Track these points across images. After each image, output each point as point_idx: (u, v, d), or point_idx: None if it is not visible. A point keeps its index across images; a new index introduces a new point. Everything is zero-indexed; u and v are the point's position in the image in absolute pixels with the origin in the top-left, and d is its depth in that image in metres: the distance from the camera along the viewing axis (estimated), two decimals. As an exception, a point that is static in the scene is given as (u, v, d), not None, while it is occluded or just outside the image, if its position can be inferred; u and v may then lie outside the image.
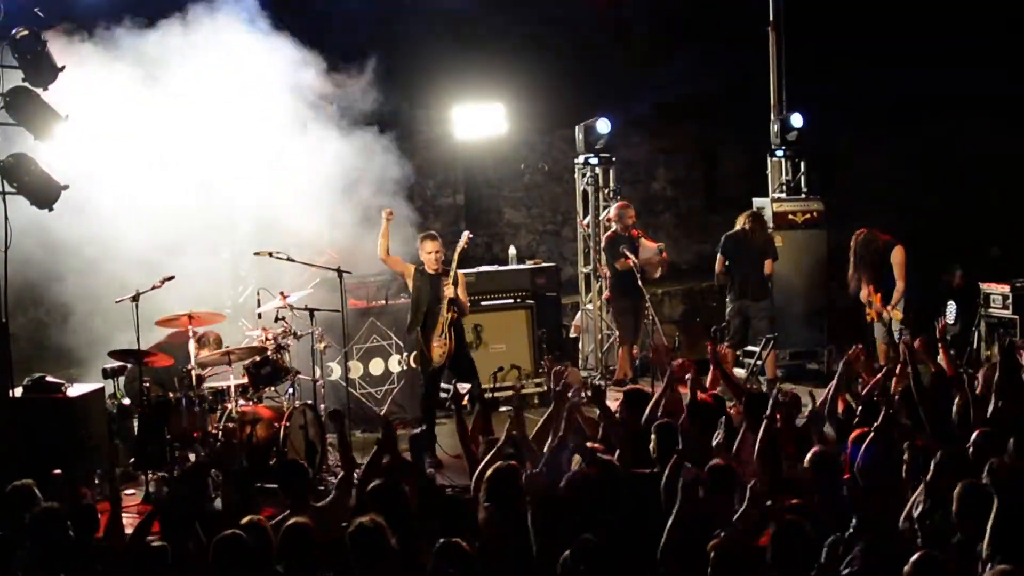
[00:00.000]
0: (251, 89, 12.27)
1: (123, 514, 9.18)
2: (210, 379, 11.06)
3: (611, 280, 14.09)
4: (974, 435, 7.62)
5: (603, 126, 14.46)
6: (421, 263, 11.60)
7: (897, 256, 13.10)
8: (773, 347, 13.24)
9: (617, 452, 7.96)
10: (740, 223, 13.74)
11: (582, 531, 6.37)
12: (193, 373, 10.79)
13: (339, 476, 8.22)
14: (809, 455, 7.44)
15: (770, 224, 14.40)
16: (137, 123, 11.72)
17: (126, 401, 11.16)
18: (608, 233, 14.03)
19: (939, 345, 9.97)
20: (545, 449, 8.04)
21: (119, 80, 11.47)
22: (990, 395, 8.73)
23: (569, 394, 8.48)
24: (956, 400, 8.71)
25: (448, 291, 11.46)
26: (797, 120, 15.04)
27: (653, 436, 7.91)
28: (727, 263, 13.73)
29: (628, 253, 13.43)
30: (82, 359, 12.15)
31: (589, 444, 7.89)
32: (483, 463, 7.69)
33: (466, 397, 11.16)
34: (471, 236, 11.94)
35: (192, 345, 10.93)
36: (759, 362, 13.21)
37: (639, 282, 13.22)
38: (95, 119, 10.90)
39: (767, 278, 13.76)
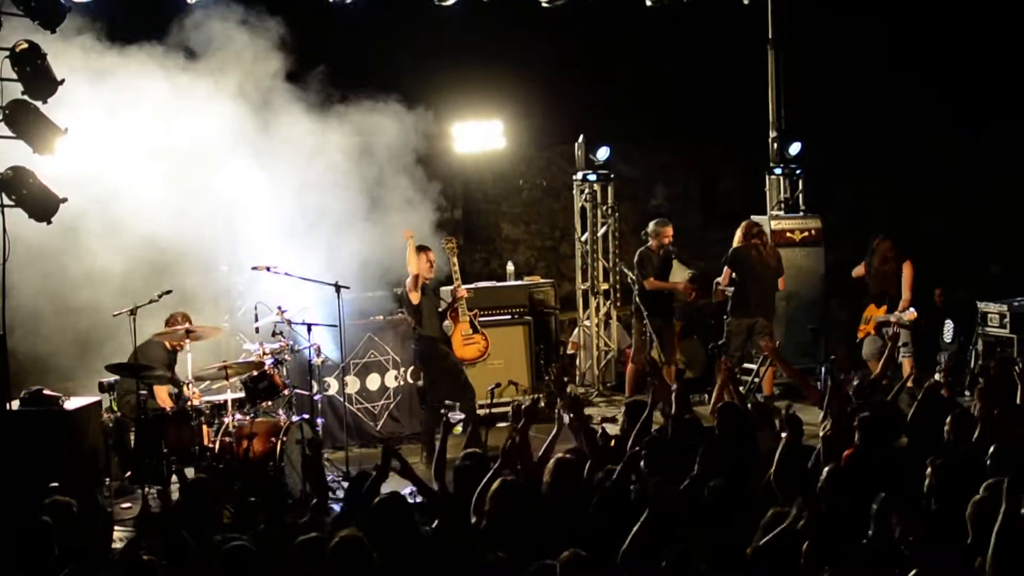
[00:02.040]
0: (246, 103, 12.30)
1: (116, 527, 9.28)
2: (207, 393, 11.08)
3: (640, 297, 13.96)
4: (991, 449, 7.66)
5: (602, 153, 14.54)
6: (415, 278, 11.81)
7: (907, 271, 13.32)
8: (771, 364, 13.21)
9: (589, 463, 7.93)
10: (745, 236, 13.53)
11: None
12: (190, 387, 10.81)
13: (313, 502, 8.17)
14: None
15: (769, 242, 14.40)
16: (133, 134, 11.72)
17: (118, 413, 11.16)
18: (641, 248, 13.96)
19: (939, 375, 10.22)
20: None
21: (113, 90, 11.48)
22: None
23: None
24: (950, 419, 8.76)
25: (462, 291, 12.02)
26: (795, 142, 15.09)
27: (643, 452, 7.88)
28: (733, 276, 13.50)
29: (652, 271, 13.44)
30: (78, 373, 12.13)
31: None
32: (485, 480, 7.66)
33: (458, 425, 11.40)
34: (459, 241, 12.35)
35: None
36: (756, 379, 13.19)
37: (636, 298, 13.23)
38: (91, 130, 10.90)
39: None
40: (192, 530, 7.14)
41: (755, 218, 14.49)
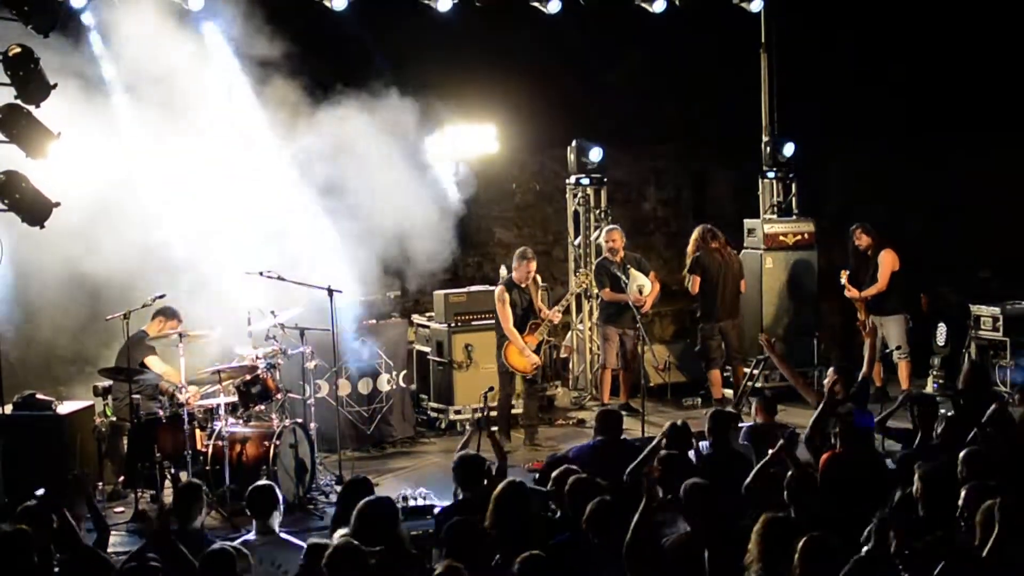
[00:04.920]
0: (240, 106, 12.33)
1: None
2: (200, 397, 11.08)
3: (600, 304, 14.06)
4: (961, 454, 7.68)
5: (595, 154, 14.55)
6: (510, 280, 12.59)
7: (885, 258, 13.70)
8: (764, 367, 13.23)
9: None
10: (703, 241, 13.77)
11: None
12: (183, 391, 10.80)
13: None
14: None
15: (761, 245, 14.47)
16: (127, 141, 11.72)
17: (112, 418, 11.14)
18: (600, 259, 13.94)
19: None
20: None
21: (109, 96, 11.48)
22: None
23: None
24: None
25: (556, 317, 12.74)
26: (788, 142, 15.12)
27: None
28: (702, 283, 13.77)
29: (608, 282, 13.39)
30: (71, 377, 12.12)
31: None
32: None
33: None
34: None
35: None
36: (750, 383, 13.16)
37: (630, 306, 13.06)
38: (86, 137, 10.90)
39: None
40: (183, 534, 7.15)
41: (748, 224, 14.54)
